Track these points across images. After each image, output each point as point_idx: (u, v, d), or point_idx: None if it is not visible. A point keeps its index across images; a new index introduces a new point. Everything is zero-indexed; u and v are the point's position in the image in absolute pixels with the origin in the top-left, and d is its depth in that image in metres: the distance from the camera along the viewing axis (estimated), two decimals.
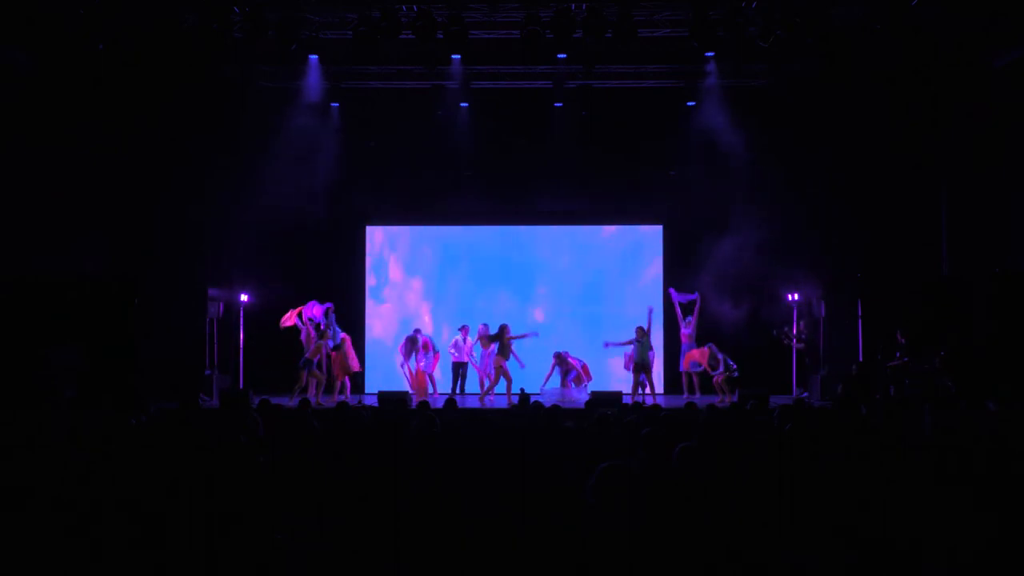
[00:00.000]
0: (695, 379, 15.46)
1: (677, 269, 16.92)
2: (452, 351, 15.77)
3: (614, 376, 16.30)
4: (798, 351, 15.85)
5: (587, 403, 12.52)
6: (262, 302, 16.40)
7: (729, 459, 5.51)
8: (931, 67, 13.99)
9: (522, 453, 6.19)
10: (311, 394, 14.35)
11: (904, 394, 13.42)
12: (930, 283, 14.80)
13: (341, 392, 15.02)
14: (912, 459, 5.34)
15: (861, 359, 14.86)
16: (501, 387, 15.09)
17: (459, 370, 15.70)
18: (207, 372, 15.41)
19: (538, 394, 14.56)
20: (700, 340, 15.56)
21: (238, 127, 15.60)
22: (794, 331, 15.79)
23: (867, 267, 15.42)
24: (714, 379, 14.99)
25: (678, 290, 15.97)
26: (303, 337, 15.24)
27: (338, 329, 15.43)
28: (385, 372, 16.76)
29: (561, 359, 15.24)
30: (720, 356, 14.95)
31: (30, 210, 13.66)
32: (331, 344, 15.22)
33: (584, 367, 15.32)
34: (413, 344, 15.37)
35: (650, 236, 17.50)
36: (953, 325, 13.87)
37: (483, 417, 10.58)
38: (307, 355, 14.88)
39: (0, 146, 13.45)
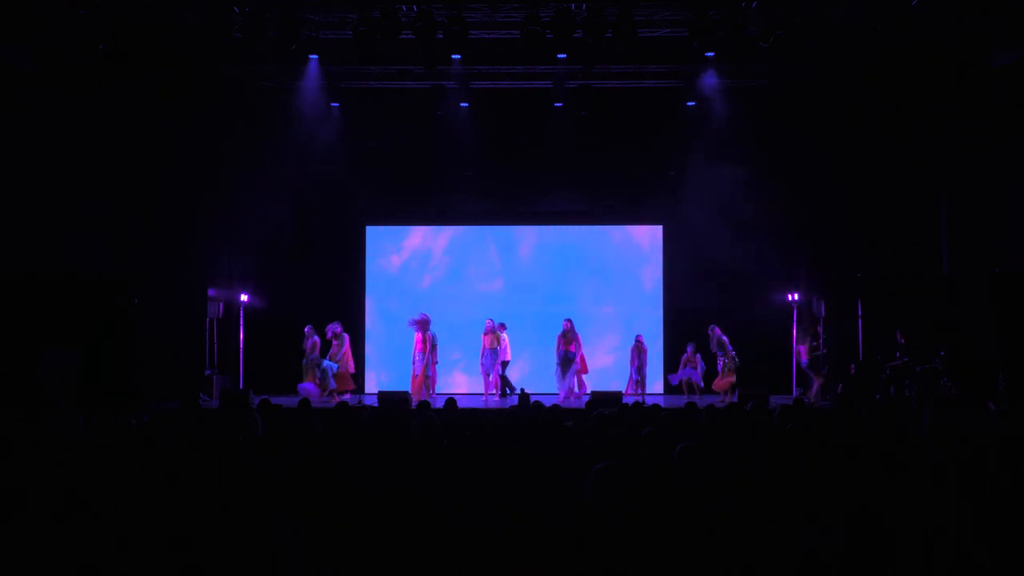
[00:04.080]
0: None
1: (677, 269, 16.94)
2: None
3: (614, 376, 16.29)
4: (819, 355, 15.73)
5: (587, 403, 12.55)
6: (262, 302, 16.40)
7: (729, 459, 5.51)
8: (931, 67, 14.00)
9: (522, 453, 6.20)
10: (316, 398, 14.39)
11: (904, 394, 13.43)
12: (930, 283, 14.80)
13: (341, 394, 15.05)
14: (912, 459, 5.34)
15: (861, 359, 14.85)
16: None
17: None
18: (207, 372, 15.41)
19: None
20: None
21: (238, 127, 15.59)
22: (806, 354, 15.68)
23: (867, 267, 15.42)
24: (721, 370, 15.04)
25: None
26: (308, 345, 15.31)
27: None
28: (386, 373, 16.74)
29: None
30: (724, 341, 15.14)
31: (30, 210, 13.67)
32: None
33: (582, 358, 15.57)
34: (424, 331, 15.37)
35: (650, 236, 17.50)
36: (953, 325, 13.86)
37: (483, 417, 10.59)
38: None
39: (0, 146, 13.46)
